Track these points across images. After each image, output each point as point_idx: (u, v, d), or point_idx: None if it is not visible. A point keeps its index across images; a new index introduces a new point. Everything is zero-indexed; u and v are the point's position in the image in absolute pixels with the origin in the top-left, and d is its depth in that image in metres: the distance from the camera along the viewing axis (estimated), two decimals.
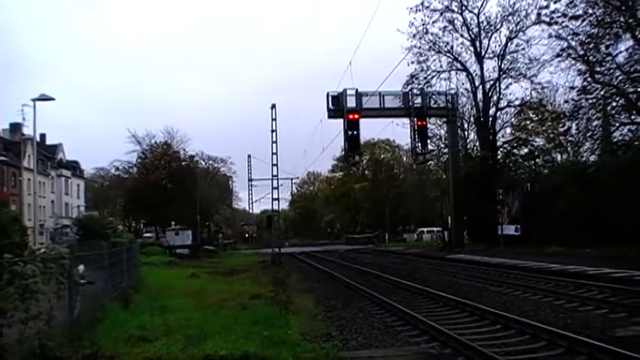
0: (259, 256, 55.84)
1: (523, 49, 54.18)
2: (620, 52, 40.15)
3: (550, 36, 45.63)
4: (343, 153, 67.42)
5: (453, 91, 56.91)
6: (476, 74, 57.80)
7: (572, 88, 43.79)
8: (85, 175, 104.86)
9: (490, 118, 57.43)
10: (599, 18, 40.35)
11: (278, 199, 55.11)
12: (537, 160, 55.23)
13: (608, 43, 40.22)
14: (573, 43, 42.77)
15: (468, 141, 62.64)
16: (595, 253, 31.84)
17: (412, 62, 56.11)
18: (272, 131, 50.61)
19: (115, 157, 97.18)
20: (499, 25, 55.47)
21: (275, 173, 51.86)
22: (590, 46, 41.22)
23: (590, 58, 41.65)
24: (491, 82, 57.10)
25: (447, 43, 57.23)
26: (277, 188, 53.37)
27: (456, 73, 58.55)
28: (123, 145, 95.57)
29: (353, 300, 20.55)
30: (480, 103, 57.88)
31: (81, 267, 12.60)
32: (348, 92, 50.38)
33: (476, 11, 56.02)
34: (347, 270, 36.08)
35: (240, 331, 13.31)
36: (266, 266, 43.05)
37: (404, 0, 57.27)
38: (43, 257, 10.92)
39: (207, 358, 10.57)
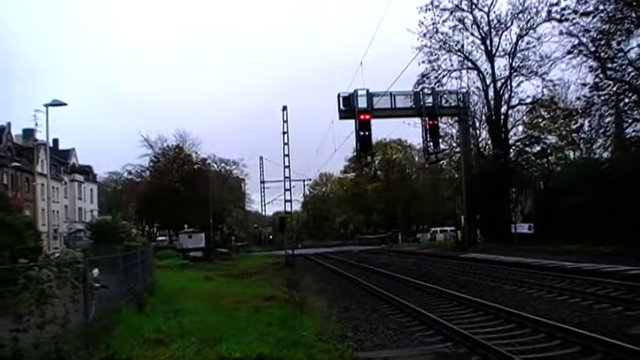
0: (273, 258, 55.91)
1: (534, 46, 54.13)
2: (632, 47, 40.03)
3: (561, 33, 45.62)
4: (355, 154, 67.30)
5: (464, 90, 56.82)
6: (487, 73, 57.79)
7: (583, 84, 43.66)
8: (97, 180, 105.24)
9: (502, 117, 57.30)
10: (611, 14, 40.18)
11: (291, 200, 55.29)
12: (550, 157, 55.06)
13: (619, 39, 40.03)
14: (584, 40, 42.70)
15: (479, 140, 62.62)
16: (609, 251, 31.68)
17: (423, 62, 56.23)
18: (283, 133, 50.77)
19: (127, 161, 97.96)
20: (509, 23, 55.43)
21: (287, 175, 52.00)
22: (602, 42, 41.08)
23: (602, 54, 41.51)
24: (503, 81, 57.00)
25: (458, 42, 57.25)
26: (290, 190, 53.54)
27: (467, 72, 58.56)
28: (135, 149, 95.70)
29: (367, 300, 20.55)
30: (492, 102, 57.76)
31: (95, 271, 12.65)
32: (359, 93, 50.42)
33: (486, 9, 56.01)
34: (360, 271, 36.08)
35: (254, 332, 13.35)
36: (279, 268, 43.12)
37: (414, 0, 57.16)
38: (58, 262, 10.98)
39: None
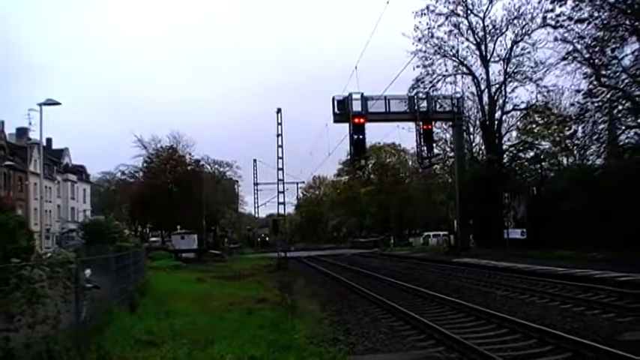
0: (265, 260, 55.85)
1: (529, 52, 54.30)
2: (626, 55, 40.12)
3: (556, 39, 45.69)
4: (349, 157, 67.46)
5: (458, 95, 56.89)
6: (481, 78, 57.97)
7: (577, 91, 43.74)
8: (91, 180, 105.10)
9: (496, 122, 57.47)
10: (605, 21, 40.28)
11: (284, 203, 55.29)
12: (543, 163, 55.17)
13: (614, 46, 40.15)
14: (579, 47, 42.81)
15: (473, 145, 62.79)
16: (602, 257, 31.75)
17: (418, 66, 56.47)
18: (278, 135, 50.78)
19: (120, 161, 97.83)
20: (504, 29, 55.63)
21: (281, 177, 52.06)
22: (596, 49, 41.20)
23: (596, 61, 41.64)
24: (497, 86, 57.18)
25: (453, 47, 57.44)
26: (283, 192, 53.54)
27: (462, 77, 58.79)
28: (129, 150, 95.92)
29: (359, 304, 20.55)
30: (486, 107, 57.91)
31: (87, 271, 12.61)
32: (354, 96, 50.39)
33: (481, 15, 56.21)
34: (353, 274, 36.10)
35: (246, 335, 13.34)
36: (272, 270, 43.10)
37: (409, 4, 57.40)
38: (50, 262, 10.95)
39: None
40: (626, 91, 40.25)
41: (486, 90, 57.63)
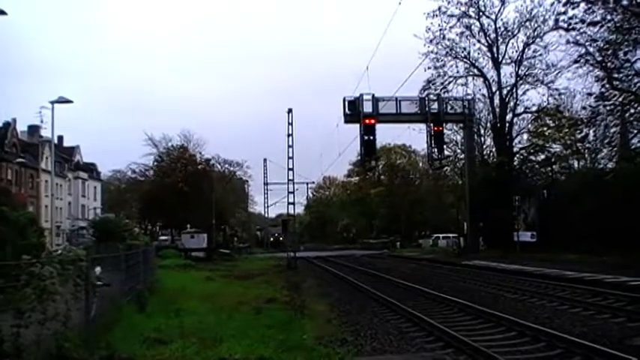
0: (274, 260, 55.88)
1: (540, 54, 54.31)
2: (639, 58, 39.95)
3: (568, 42, 45.62)
4: (359, 158, 67.38)
5: (469, 97, 56.92)
6: (493, 80, 57.87)
7: (589, 94, 43.65)
8: (101, 178, 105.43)
9: (507, 124, 57.30)
10: (618, 24, 40.17)
11: (294, 203, 55.18)
12: (554, 166, 55.05)
13: (626, 49, 40.03)
14: (591, 49, 42.73)
15: (484, 147, 62.60)
16: (612, 261, 31.63)
17: (429, 68, 56.38)
18: (288, 135, 50.68)
19: (131, 159, 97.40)
20: (516, 31, 55.61)
21: (291, 177, 51.96)
22: (609, 52, 41.08)
23: (609, 64, 41.52)
24: (508, 88, 57.10)
25: (464, 49, 57.40)
26: (293, 192, 53.47)
27: (473, 79, 58.71)
28: (139, 148, 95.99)
29: (367, 305, 20.52)
30: (497, 109, 57.80)
31: (97, 269, 12.66)
32: (365, 97, 50.32)
33: (493, 17, 56.16)
34: (362, 275, 36.07)
35: (255, 334, 13.35)
36: (281, 270, 43.09)
37: (421, 5, 57.30)
38: (61, 259, 10.98)
39: None
40: (639, 95, 40.08)
41: (497, 92, 57.60)
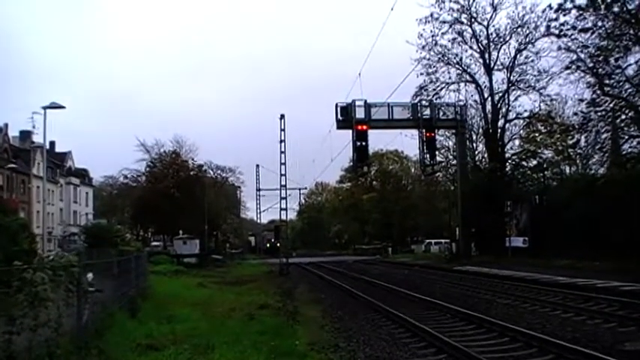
0: (267, 266, 55.82)
1: (532, 61, 54.46)
2: (630, 64, 40.19)
3: (559, 48, 45.77)
4: (352, 164, 67.47)
5: (461, 103, 57.00)
6: (485, 86, 57.99)
7: (581, 100, 43.80)
8: (93, 183, 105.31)
9: (499, 130, 57.48)
10: (609, 31, 40.39)
11: (286, 209, 55.18)
12: (546, 172, 55.23)
13: (617, 55, 40.23)
14: (582, 56, 42.92)
15: (476, 153, 62.72)
16: (603, 266, 31.74)
17: (421, 74, 56.52)
18: (280, 141, 50.69)
19: (123, 165, 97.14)
20: (508, 37, 55.76)
21: (283, 183, 51.97)
22: (600, 58, 41.27)
23: (600, 70, 41.70)
24: (500, 94, 57.27)
25: (456, 55, 57.55)
26: (285, 198, 53.46)
27: (465, 85, 58.83)
28: (132, 154, 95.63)
29: (360, 311, 20.52)
30: (489, 115, 57.94)
31: (90, 275, 12.63)
32: (357, 103, 50.24)
33: (485, 23, 56.29)
34: (354, 281, 36.04)
35: (247, 341, 13.35)
36: (273, 276, 43.07)
37: (413, 11, 57.44)
38: (53, 265, 10.97)
39: None
40: (630, 101, 40.30)
41: (489, 98, 57.76)
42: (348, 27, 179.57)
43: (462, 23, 56.38)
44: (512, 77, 56.00)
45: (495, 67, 57.00)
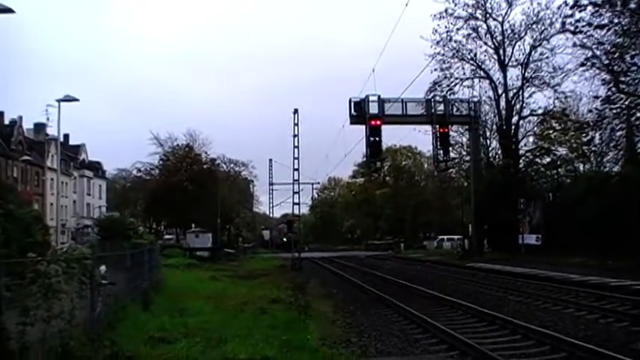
0: (279, 260, 55.90)
1: (547, 57, 54.21)
2: None
3: (574, 45, 45.59)
4: (365, 159, 67.28)
5: (475, 99, 56.71)
6: (499, 82, 57.79)
7: (596, 97, 43.65)
8: (107, 176, 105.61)
9: (512, 127, 57.29)
10: (625, 27, 40.08)
11: (299, 203, 55.24)
12: (560, 169, 55.03)
13: (633, 52, 39.97)
14: (598, 53, 42.64)
15: (490, 149, 62.44)
16: (617, 265, 31.56)
17: (435, 69, 56.26)
18: (294, 136, 50.75)
19: (137, 158, 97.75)
20: (523, 34, 55.50)
21: (296, 178, 52.02)
22: (615, 55, 41.00)
23: (615, 67, 41.41)
24: (515, 91, 57.02)
25: (471, 51, 57.34)
26: (298, 193, 53.54)
27: (479, 81, 58.61)
28: (145, 147, 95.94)
29: (372, 306, 20.51)
30: (503, 112, 57.74)
31: (103, 267, 12.68)
32: (371, 98, 50.05)
33: (500, 19, 56.04)
34: (366, 276, 36.02)
35: (259, 335, 13.35)
36: (286, 271, 43.11)
37: (428, 7, 57.26)
38: (66, 257, 11.01)
39: None
40: None
41: (504, 94, 57.51)
42: (363, 22, 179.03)
43: (477, 19, 56.25)
44: (526, 74, 55.87)
45: (510, 64, 56.88)
